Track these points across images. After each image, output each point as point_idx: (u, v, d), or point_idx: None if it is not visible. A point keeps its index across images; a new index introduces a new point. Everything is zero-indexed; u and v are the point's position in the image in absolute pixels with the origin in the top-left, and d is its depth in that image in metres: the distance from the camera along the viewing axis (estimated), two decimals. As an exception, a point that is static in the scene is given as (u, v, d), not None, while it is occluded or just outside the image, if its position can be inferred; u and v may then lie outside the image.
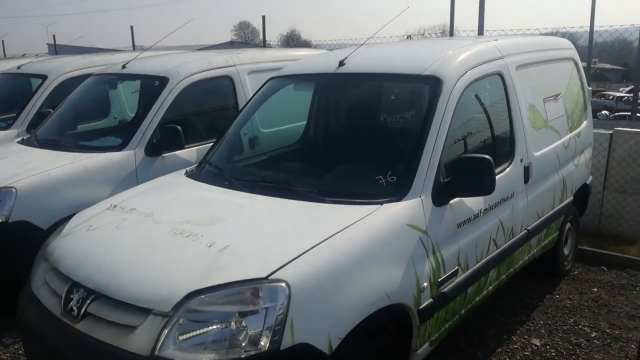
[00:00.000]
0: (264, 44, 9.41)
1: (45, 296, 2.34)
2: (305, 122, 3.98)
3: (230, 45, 38.19)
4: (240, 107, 4.81)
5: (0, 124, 5.71)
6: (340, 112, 3.71)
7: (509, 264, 3.32)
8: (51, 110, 5.27)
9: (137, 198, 2.89)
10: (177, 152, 4.31)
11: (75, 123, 5.17)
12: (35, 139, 4.55)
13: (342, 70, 3.11)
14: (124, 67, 4.91)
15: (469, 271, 2.80)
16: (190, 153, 4.38)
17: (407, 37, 14.78)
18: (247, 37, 64.91)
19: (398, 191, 2.49)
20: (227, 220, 2.38)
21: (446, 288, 2.60)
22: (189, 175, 3.12)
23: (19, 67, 6.29)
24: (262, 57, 5.28)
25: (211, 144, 4.15)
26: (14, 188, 3.62)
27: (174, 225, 2.37)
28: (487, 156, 2.50)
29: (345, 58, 3.15)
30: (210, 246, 2.15)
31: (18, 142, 4.64)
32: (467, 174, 2.52)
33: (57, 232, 2.73)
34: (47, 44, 16.45)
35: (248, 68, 4.98)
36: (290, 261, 2.00)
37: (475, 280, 2.89)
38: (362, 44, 3.38)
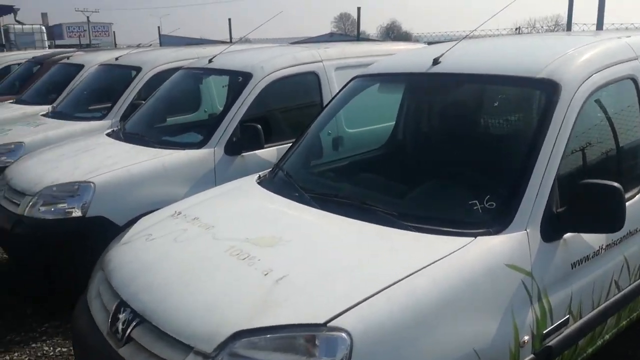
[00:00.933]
0: (358, 37, 9.05)
1: (96, 310, 2.19)
2: (393, 123, 3.60)
3: (330, 37, 38.28)
4: (325, 105, 4.53)
5: (96, 114, 5.88)
6: (431, 119, 3.27)
7: (632, 308, 2.71)
8: (143, 102, 5.31)
9: (202, 205, 2.68)
10: (257, 152, 4.10)
11: (163, 117, 5.17)
12: (122, 132, 4.56)
13: (436, 69, 2.67)
14: (210, 61, 4.79)
15: (583, 320, 2.28)
16: (271, 153, 4.15)
17: (516, 30, 13.69)
18: (346, 29, 64.91)
19: (497, 221, 2.04)
20: (290, 242, 2.08)
21: (552, 341, 2.11)
22: (261, 182, 2.86)
23: (117, 59, 6.45)
24: (351, 52, 4.93)
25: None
26: (93, 183, 3.58)
27: (232, 243, 2.11)
28: (617, 184, 1.97)
29: (441, 55, 2.72)
30: (266, 274, 1.86)
31: (106, 134, 4.69)
32: (590, 204, 2.00)
33: (118, 238, 2.59)
34: (159, 34, 17.32)
35: (335, 64, 4.66)
36: (356, 305, 1.65)
37: (590, 331, 2.36)
38: (461, 39, 2.93)
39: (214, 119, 4.49)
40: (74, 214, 3.52)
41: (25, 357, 3.17)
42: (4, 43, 22.50)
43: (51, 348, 3.27)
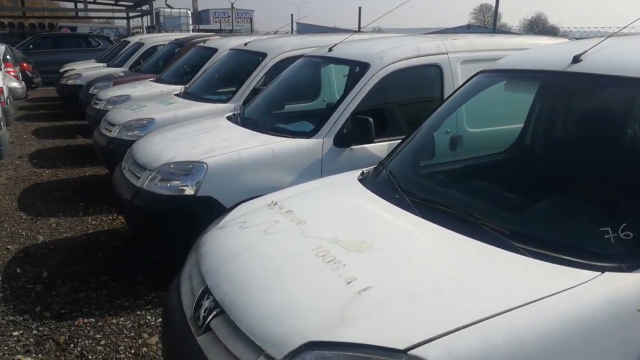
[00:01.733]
0: (494, 29, 8.43)
1: (185, 292, 2.20)
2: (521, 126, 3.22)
3: (467, 29, 36.66)
4: (444, 100, 4.24)
5: (221, 97, 6.11)
6: (565, 124, 2.86)
7: None
8: (264, 87, 5.41)
9: (299, 198, 2.60)
10: (367, 146, 3.94)
11: (281, 104, 5.22)
12: (240, 116, 4.66)
13: (576, 69, 2.30)
14: (330, 50, 4.71)
15: None
16: (381, 148, 3.97)
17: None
18: (486, 21, 61.94)
19: (633, 255, 1.68)
20: (381, 250, 1.90)
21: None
22: (362, 179, 2.71)
23: (245, 44, 6.65)
24: (481, 44, 4.55)
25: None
26: (206, 164, 3.69)
27: (320, 242, 1.99)
28: None
29: (584, 53, 2.33)
30: (349, 282, 1.71)
31: (226, 117, 4.83)
32: None
33: (216, 222, 2.60)
34: (296, 22, 17.74)
35: (462, 57, 4.32)
36: (443, 335, 1.43)
37: None
38: (610, 35, 2.49)
39: (327, 109, 4.42)
40: (186, 192, 3.66)
41: (129, 324, 3.37)
42: (154, 25, 24.56)
43: (153, 318, 3.44)
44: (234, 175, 3.72)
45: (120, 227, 5.11)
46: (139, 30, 27.83)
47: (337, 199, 2.53)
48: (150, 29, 22.97)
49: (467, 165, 3.06)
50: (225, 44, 7.63)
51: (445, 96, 4.22)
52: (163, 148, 4.11)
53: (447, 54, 4.30)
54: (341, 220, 2.23)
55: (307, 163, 3.87)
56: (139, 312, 3.50)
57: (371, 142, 3.86)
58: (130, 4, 25.98)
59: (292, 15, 18.63)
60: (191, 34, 14.29)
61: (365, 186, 2.56)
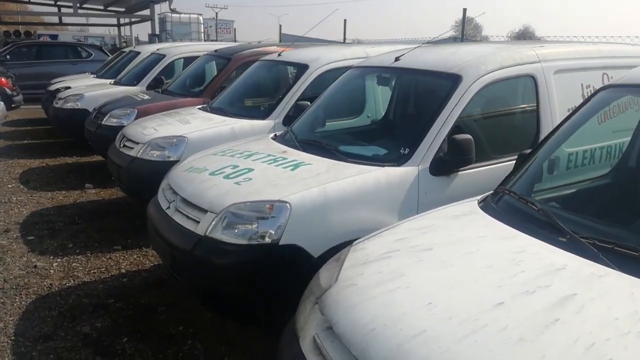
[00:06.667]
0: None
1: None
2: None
3: (453, 40, 36.55)
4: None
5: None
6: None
7: None
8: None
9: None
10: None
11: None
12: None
13: None
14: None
15: None
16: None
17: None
18: (467, 34, 62.61)
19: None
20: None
21: None
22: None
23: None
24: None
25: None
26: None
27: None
28: None
29: None
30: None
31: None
32: None
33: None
34: (282, 34, 16.93)
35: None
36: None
37: None
38: None
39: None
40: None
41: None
42: (155, 33, 20.13)
43: None
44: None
45: None
46: (126, 38, 25.34)
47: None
48: (153, 38, 19.17)
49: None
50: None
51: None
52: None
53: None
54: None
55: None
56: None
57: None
58: (122, 9, 22.50)
59: (280, 26, 17.85)
60: (221, 43, 11.04)
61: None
